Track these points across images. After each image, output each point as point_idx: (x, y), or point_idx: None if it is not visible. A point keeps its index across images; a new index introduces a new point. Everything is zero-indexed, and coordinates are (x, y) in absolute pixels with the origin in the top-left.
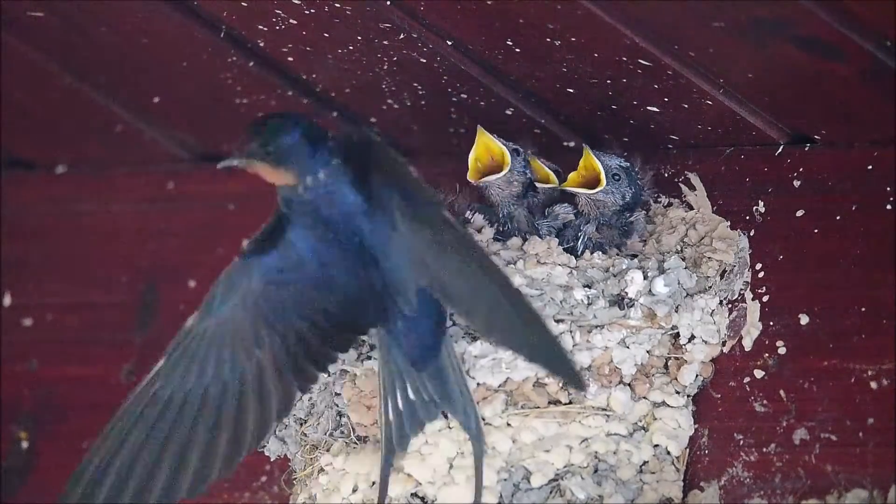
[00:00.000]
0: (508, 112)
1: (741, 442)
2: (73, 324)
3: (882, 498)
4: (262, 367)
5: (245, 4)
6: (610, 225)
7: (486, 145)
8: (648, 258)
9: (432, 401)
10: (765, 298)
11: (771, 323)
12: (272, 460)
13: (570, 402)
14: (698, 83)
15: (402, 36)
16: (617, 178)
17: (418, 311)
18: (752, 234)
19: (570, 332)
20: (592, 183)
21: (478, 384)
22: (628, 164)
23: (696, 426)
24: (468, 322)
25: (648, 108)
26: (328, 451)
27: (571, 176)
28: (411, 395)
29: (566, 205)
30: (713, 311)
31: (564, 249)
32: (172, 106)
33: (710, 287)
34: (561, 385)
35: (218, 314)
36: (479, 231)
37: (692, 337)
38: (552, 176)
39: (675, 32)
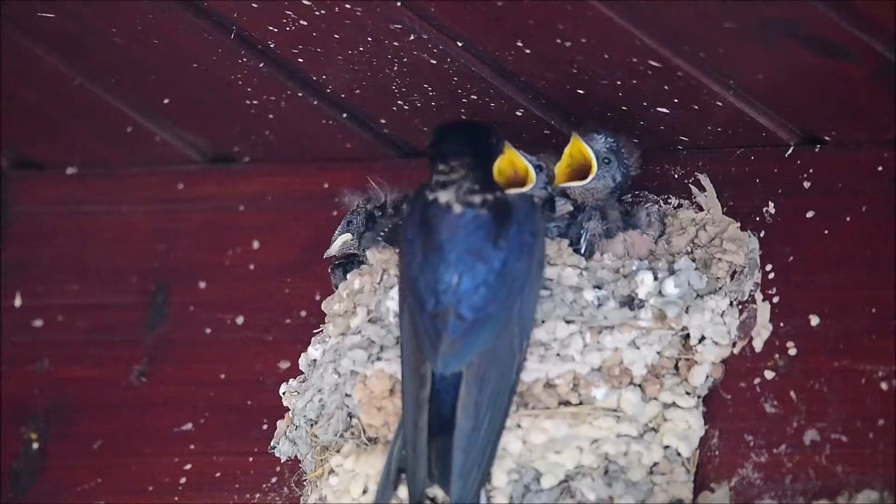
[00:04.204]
0: (518, 113)
1: (751, 443)
2: (83, 325)
3: (892, 498)
4: None
5: (255, 5)
6: (612, 208)
7: (512, 161)
8: (659, 259)
9: (430, 472)
10: (775, 299)
11: (781, 324)
12: (282, 461)
13: (581, 404)
14: (708, 84)
15: (412, 37)
16: (607, 161)
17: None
18: (762, 235)
19: (581, 332)
20: (583, 170)
21: None
22: (614, 141)
23: (707, 427)
24: None
25: (658, 109)
26: (339, 452)
27: (559, 167)
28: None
29: (560, 199)
30: (723, 312)
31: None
32: (183, 107)
33: (721, 288)
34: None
35: None
36: None
37: (702, 338)
38: (531, 172)
39: (685, 33)
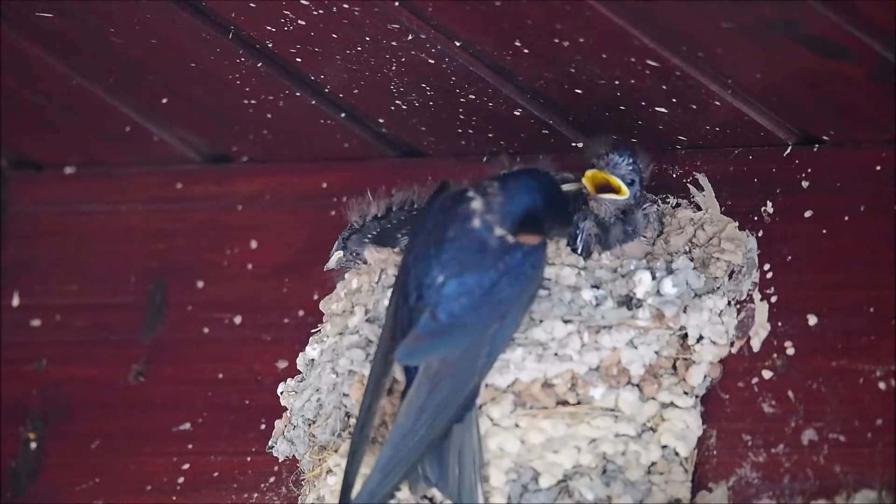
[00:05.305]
0: (517, 113)
1: (749, 443)
2: (81, 324)
3: (891, 498)
4: None
5: (253, 5)
6: (615, 222)
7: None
8: (657, 259)
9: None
10: (773, 299)
11: (779, 323)
12: (280, 461)
13: (579, 403)
14: (706, 84)
15: (410, 37)
16: (631, 182)
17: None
18: (760, 234)
19: (579, 332)
20: (602, 186)
21: (486, 385)
22: (634, 160)
23: (705, 427)
24: None
25: (656, 108)
26: (336, 451)
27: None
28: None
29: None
30: (721, 311)
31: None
32: (181, 107)
33: (719, 288)
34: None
35: None
36: None
37: (700, 337)
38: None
39: (683, 33)
